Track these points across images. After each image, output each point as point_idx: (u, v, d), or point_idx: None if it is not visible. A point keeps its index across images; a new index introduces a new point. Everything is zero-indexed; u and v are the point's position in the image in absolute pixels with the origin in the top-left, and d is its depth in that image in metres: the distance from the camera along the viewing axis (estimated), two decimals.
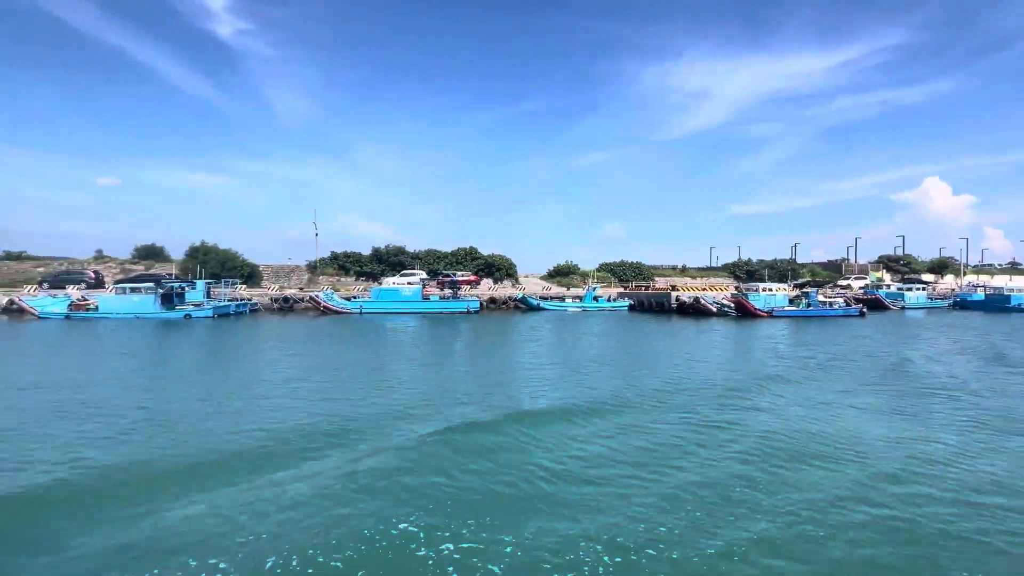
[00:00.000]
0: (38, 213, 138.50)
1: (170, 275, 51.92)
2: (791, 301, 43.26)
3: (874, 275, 74.36)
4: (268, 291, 51.06)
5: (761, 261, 76.77)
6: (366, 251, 62.26)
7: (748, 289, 44.72)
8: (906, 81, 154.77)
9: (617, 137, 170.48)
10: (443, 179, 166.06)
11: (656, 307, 47.28)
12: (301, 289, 52.67)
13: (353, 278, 59.95)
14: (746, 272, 72.87)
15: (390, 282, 46.17)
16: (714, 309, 42.45)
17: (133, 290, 38.04)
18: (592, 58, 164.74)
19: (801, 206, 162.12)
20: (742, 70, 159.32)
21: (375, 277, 60.66)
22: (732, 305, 42.00)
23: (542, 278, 69.45)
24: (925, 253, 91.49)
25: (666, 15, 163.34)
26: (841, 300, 46.84)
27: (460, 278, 50.53)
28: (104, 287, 49.11)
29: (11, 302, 41.35)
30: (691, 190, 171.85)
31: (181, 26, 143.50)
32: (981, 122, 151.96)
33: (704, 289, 51.10)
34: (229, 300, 43.34)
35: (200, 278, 46.36)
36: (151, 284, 38.69)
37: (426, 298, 45.26)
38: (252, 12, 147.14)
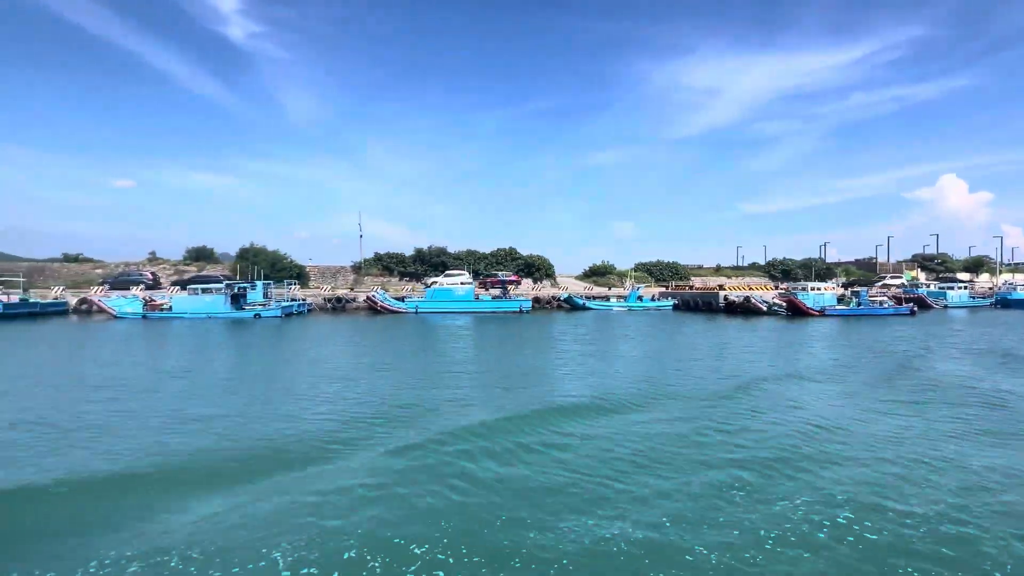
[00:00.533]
0: (55, 214, 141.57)
1: (225, 276, 53.55)
2: (839, 300, 43.79)
3: (908, 274, 74.35)
4: (321, 291, 52.43)
5: (792, 260, 77.01)
6: (386, 251, 63.58)
7: (796, 288, 45.30)
8: (921, 77, 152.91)
9: (627, 136, 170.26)
10: (453, 179, 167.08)
11: (703, 307, 47.97)
12: (352, 289, 54.00)
13: (397, 278, 61.26)
14: (781, 271, 73.20)
15: (442, 282, 47.27)
16: (764, 308, 43.08)
17: (205, 291, 39.48)
18: (603, 57, 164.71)
19: (813, 204, 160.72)
20: (753, 68, 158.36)
21: (418, 277, 61.92)
22: (784, 304, 42.59)
23: (577, 278, 70.30)
24: (943, 251, 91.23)
25: (677, 13, 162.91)
26: (889, 299, 47.21)
27: (504, 278, 51.58)
28: (160, 287, 50.81)
29: (84, 301, 43.08)
30: (701, 189, 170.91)
31: (194, 29, 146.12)
32: (998, 118, 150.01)
33: (749, 288, 51.65)
34: (290, 300, 44.68)
35: (253, 279, 47.78)
36: (222, 285, 40.10)
37: (478, 298, 46.35)
38: (263, 15, 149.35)
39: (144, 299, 39.94)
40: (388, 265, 62.18)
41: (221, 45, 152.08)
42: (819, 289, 43.88)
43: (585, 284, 65.30)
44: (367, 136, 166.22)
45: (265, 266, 57.02)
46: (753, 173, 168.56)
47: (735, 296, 45.52)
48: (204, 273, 54.32)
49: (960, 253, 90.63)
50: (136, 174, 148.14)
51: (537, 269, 63.17)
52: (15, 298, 40.27)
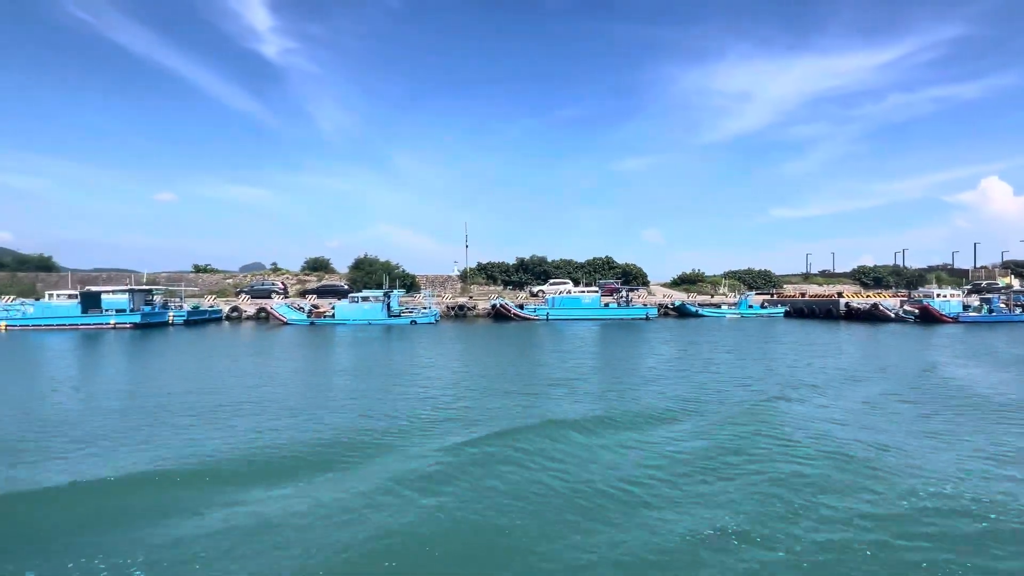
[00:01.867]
0: (100, 226, 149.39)
1: (344, 285, 56.83)
2: (964, 307, 44.30)
3: (1003, 280, 73.55)
4: (443, 299, 55.15)
5: (883, 267, 76.92)
6: (487, 260, 66.00)
7: (922, 295, 45.99)
8: (961, 77, 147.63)
9: (655, 142, 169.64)
10: (479, 188, 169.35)
11: (820, 314, 48.94)
12: (471, 297, 56.58)
13: (501, 286, 63.78)
14: (872, 279, 73.29)
15: (564, 291, 49.43)
16: (892, 315, 43.90)
17: (364, 299, 42.45)
18: (630, 63, 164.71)
19: (848, 209, 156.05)
20: (785, 71, 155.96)
21: (520, 285, 64.40)
22: (916, 311, 43.35)
23: (666, 286, 71.63)
24: (986, 257, 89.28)
25: (706, 17, 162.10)
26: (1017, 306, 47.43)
27: (623, 287, 53.43)
28: (287, 296, 54.26)
29: (236, 309, 46.60)
30: (731, 195, 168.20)
31: (231, 48, 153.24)
32: None
33: (876, 295, 52.32)
34: (423, 308, 47.40)
35: (386, 287, 50.68)
36: (380, 293, 43.01)
37: (607, 305, 48.29)
38: (296, 31, 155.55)
39: (310, 307, 43.08)
40: (492, 274, 64.76)
41: (256, 62, 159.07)
42: (946, 296, 44.52)
43: (672, 292, 66.64)
44: (394, 147, 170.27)
45: (380, 275, 60.26)
46: (785, 178, 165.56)
47: (859, 303, 46.41)
48: (331, 283, 57.66)
49: (995, 258, 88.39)
50: (177, 187, 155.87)
51: (634, 277, 64.90)
52: (187, 307, 43.94)
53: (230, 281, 60.17)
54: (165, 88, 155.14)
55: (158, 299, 42.25)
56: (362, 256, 62.99)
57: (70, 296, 37.82)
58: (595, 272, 65.38)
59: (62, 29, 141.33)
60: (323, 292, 54.58)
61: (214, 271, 63.50)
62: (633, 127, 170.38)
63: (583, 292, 48.51)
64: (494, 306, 48.78)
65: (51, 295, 38.05)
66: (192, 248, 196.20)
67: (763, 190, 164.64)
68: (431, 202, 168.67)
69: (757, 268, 70.99)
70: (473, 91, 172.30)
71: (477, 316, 51.76)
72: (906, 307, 44.42)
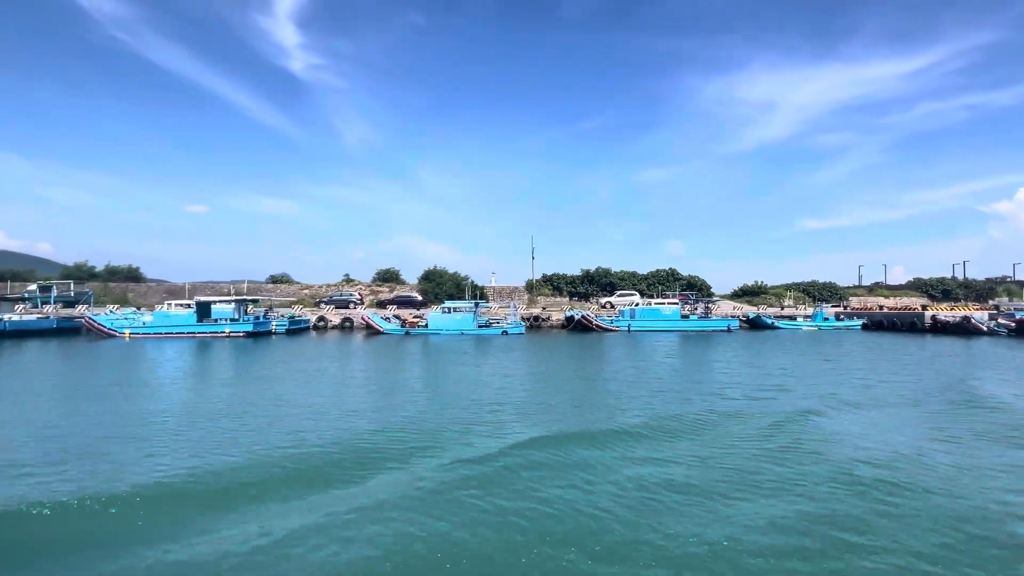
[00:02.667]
0: (132, 237, 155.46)
1: (417, 296, 58.31)
2: None
3: None
4: (519, 310, 56.19)
5: (952, 279, 75.50)
6: (552, 272, 66.83)
7: (1014, 308, 45.27)
8: (995, 83, 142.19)
9: (678, 152, 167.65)
10: (500, 199, 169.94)
11: (903, 327, 48.43)
12: (544, 308, 57.48)
13: (567, 298, 64.61)
14: (941, 291, 72.02)
15: (631, 302, 50.15)
16: (984, 328, 43.30)
17: (455, 310, 43.68)
18: (653, 74, 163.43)
19: (878, 220, 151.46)
20: (810, 80, 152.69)
21: (586, 297, 65.12)
22: (1012, 325, 42.72)
23: (727, 297, 71.52)
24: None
25: (729, 27, 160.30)
26: None
27: (671, 297, 53.72)
28: (362, 306, 55.87)
29: (322, 319, 48.22)
30: (756, 206, 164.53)
31: (260, 64, 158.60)
32: None
33: (965, 308, 51.62)
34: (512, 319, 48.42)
35: (471, 298, 51.89)
36: (471, 304, 44.20)
37: (685, 317, 48.65)
38: (322, 47, 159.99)
39: (404, 318, 44.50)
40: (558, 285, 65.65)
41: (284, 78, 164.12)
42: None
43: (735, 303, 66.46)
44: (418, 159, 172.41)
45: (450, 287, 61.64)
46: (812, 188, 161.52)
47: (947, 316, 45.87)
48: (404, 294, 59.22)
49: None
50: (209, 200, 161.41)
51: (699, 289, 65.06)
52: (284, 316, 45.74)
53: (306, 292, 62.25)
54: (198, 103, 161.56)
55: (261, 309, 44.12)
56: (431, 268, 64.64)
57: (186, 306, 39.86)
58: (659, 284, 65.75)
59: (100, 49, 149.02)
60: (398, 303, 56.14)
61: (290, 282, 65.76)
62: (655, 138, 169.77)
63: (663, 304, 48.97)
64: (571, 317, 49.51)
65: (168, 304, 40.15)
66: (220, 259, 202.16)
67: (789, 201, 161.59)
68: (454, 213, 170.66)
69: (821, 280, 70.42)
70: (495, 103, 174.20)
71: (551, 327, 52.58)
72: (1000, 320, 43.76)
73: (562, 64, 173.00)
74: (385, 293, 62.81)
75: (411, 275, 66.58)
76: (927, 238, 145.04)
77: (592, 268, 65.92)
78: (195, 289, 62.42)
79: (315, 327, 48.71)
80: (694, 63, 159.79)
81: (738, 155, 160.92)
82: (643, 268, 68.81)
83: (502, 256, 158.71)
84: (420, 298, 58.10)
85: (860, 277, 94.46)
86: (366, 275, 66.63)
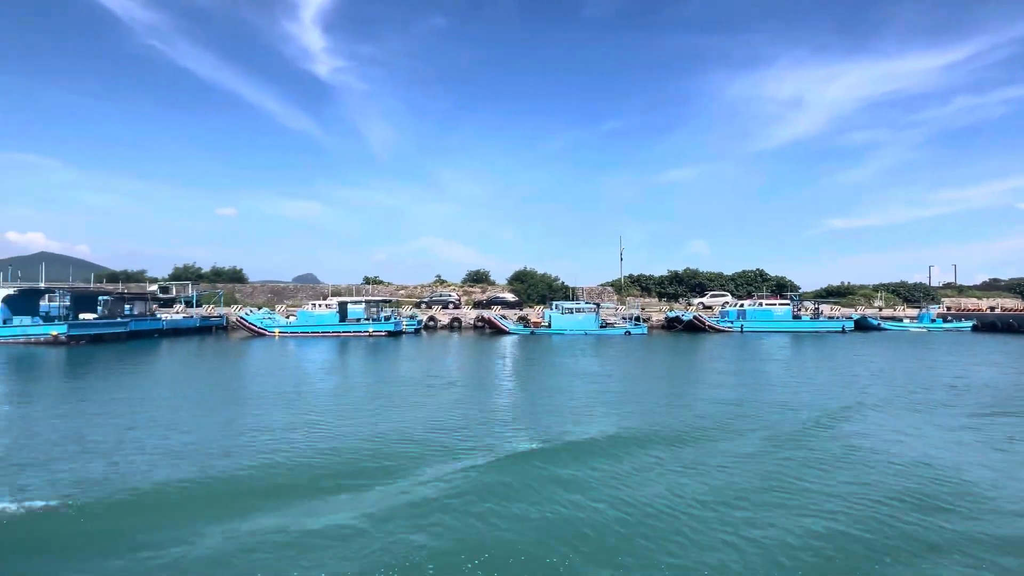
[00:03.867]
0: (163, 239, 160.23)
1: (511, 297, 59.47)
2: None
3: None
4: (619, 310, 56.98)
5: None
6: (638, 272, 67.33)
7: None
8: None
9: (703, 152, 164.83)
10: (522, 200, 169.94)
11: (1020, 328, 47.74)
12: (643, 309, 58.15)
13: (656, 299, 65.18)
14: None
15: (723, 303, 50.48)
16: None
17: (578, 310, 44.72)
18: (676, 73, 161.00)
19: (911, 219, 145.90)
20: (840, 75, 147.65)
21: (675, 297, 65.58)
22: None
23: (807, 297, 71.05)
24: None
25: (754, 25, 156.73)
26: None
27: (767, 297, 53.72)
28: (460, 307, 57.23)
29: (432, 319, 49.68)
30: (782, 204, 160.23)
31: (287, 68, 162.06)
32: None
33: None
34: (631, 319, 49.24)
35: (582, 301, 52.72)
36: (593, 305, 45.21)
37: (797, 318, 48.81)
38: (347, 51, 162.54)
39: (528, 319, 45.76)
40: (646, 286, 66.31)
41: (310, 82, 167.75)
42: None
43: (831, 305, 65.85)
44: (439, 161, 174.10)
45: (543, 288, 62.77)
46: (841, 186, 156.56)
47: None
48: (495, 295, 60.50)
49: None
50: (238, 202, 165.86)
51: (790, 289, 64.93)
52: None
53: (402, 292, 64.05)
54: (227, 108, 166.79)
55: (388, 310, 45.79)
56: (521, 269, 65.89)
57: (328, 306, 41.71)
58: (748, 284, 65.83)
59: (134, 57, 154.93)
60: (494, 303, 57.42)
61: (384, 283, 67.69)
62: (679, 138, 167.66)
63: (774, 305, 49.22)
64: (676, 318, 49.97)
65: (314, 304, 42.07)
66: (247, 261, 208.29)
67: (818, 199, 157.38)
68: (475, 215, 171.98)
69: (911, 281, 69.58)
70: (517, 105, 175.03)
71: (651, 327, 53.19)
72: None
73: (584, 65, 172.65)
74: (478, 294, 64.23)
75: (425, 274, 67.89)
76: (963, 237, 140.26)
77: (680, 269, 66.46)
78: (294, 291, 64.86)
79: (426, 327, 50.21)
80: (719, 61, 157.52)
81: (765, 154, 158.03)
82: (721, 268, 69.00)
83: (523, 255, 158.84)
84: (514, 299, 59.33)
85: (929, 278, 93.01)
86: (392, 275, 68.16)
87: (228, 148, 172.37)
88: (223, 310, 48.72)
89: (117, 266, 63.85)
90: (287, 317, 43.43)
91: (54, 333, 31.65)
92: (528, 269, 65.62)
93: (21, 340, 32.16)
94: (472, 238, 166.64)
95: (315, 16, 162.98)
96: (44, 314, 36.04)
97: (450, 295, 59.38)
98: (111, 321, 35.31)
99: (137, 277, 64.60)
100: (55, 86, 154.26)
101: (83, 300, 37.47)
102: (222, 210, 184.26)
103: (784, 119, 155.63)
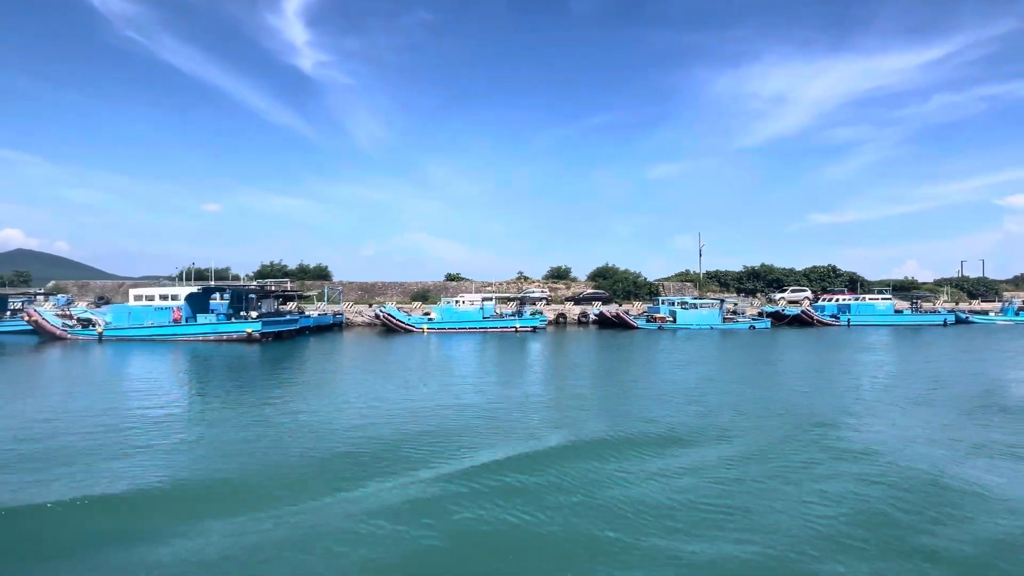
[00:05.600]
0: (145, 236, 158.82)
1: (605, 292, 60.70)
2: None
3: None
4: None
5: None
6: (715, 268, 69.06)
7: None
8: (1014, 74, 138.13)
9: (689, 147, 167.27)
10: (510, 196, 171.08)
11: None
12: (736, 304, 59.79)
13: (734, 294, 66.92)
14: None
15: (803, 297, 52.38)
16: None
17: (703, 306, 46.10)
18: (663, 69, 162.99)
19: (892, 214, 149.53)
20: (823, 72, 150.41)
21: (752, 293, 67.42)
22: None
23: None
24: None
25: (740, 21, 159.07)
26: None
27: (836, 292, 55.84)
28: (550, 304, 58.35)
29: (561, 315, 50.74)
30: (767, 200, 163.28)
31: (270, 62, 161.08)
32: None
33: None
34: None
35: (636, 294, 54.15)
36: (717, 300, 46.60)
37: (899, 312, 50.84)
38: (332, 45, 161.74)
39: (654, 316, 46.98)
40: (724, 281, 68.03)
41: (294, 76, 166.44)
42: None
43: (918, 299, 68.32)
44: (427, 156, 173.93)
45: (628, 284, 64.11)
46: (825, 182, 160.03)
47: None
48: (590, 291, 61.68)
49: None
50: (221, 198, 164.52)
51: (861, 285, 67.19)
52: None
53: (489, 288, 64.82)
54: (209, 103, 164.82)
55: (512, 306, 46.70)
56: (603, 265, 67.13)
57: (473, 303, 42.51)
58: (821, 280, 67.92)
59: (113, 49, 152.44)
60: (588, 299, 58.62)
61: (461, 279, 68.34)
62: (666, 133, 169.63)
63: (876, 299, 51.18)
64: (775, 312, 51.54)
65: (459, 302, 42.81)
66: (233, 257, 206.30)
67: (801, 195, 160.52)
68: (463, 210, 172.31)
69: (972, 276, 72.35)
70: (505, 100, 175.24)
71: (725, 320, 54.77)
72: None
73: (572, 60, 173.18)
74: (562, 290, 65.36)
75: (419, 271, 68.44)
76: (941, 233, 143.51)
77: (756, 264, 68.29)
78: (385, 288, 65.16)
79: (554, 323, 50.93)
80: (705, 57, 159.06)
81: (750, 150, 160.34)
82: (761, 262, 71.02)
83: (513, 251, 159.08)
84: (607, 295, 60.57)
85: (961, 270, 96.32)
86: (384, 271, 68.41)
87: (212, 143, 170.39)
88: (340, 307, 49.29)
89: (96, 264, 63.52)
90: (425, 315, 44.07)
91: (249, 330, 32.05)
92: (610, 266, 66.88)
93: (212, 337, 32.49)
94: (460, 234, 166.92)
95: (298, 9, 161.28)
96: (212, 312, 36.32)
97: (541, 291, 60.43)
98: (289, 318, 35.74)
99: (223, 274, 64.36)
100: (31, 80, 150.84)
101: (238, 297, 37.80)
102: (207, 206, 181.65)
103: (769, 115, 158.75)
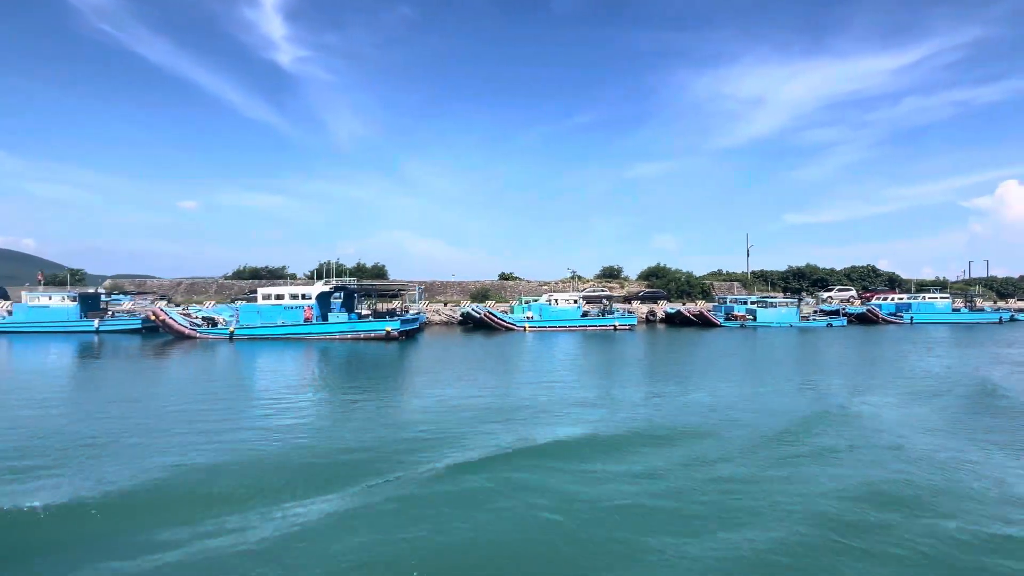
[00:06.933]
0: (119, 233, 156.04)
1: (663, 292, 62.13)
2: None
3: None
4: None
5: None
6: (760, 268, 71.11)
7: None
8: (982, 80, 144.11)
9: (669, 147, 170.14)
10: (492, 195, 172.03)
11: None
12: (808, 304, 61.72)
13: (782, 293, 68.95)
14: None
15: (924, 297, 54.62)
16: None
17: (782, 304, 47.73)
18: (644, 69, 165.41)
19: (865, 215, 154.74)
20: (800, 75, 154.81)
21: (797, 292, 69.49)
22: None
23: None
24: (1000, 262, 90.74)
25: (719, 22, 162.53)
26: None
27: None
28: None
29: (652, 313, 51.90)
30: (745, 200, 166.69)
31: (247, 57, 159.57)
32: None
33: None
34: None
35: (689, 294, 55.76)
36: (795, 299, 48.25)
37: (956, 310, 53.19)
38: (310, 40, 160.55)
39: (735, 315, 48.43)
40: (772, 281, 70.01)
41: (272, 71, 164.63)
42: None
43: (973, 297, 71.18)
44: (408, 154, 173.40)
45: (682, 283, 65.61)
46: (800, 183, 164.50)
47: None
48: (649, 290, 63.02)
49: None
50: (199, 195, 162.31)
51: (899, 284, 69.83)
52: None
53: (545, 287, 65.72)
54: (184, 97, 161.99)
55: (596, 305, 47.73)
56: (654, 265, 68.54)
57: (568, 302, 43.42)
58: (861, 279, 70.41)
59: (84, 41, 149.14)
60: (652, 298, 60.01)
61: (519, 279, 69.09)
62: (646, 133, 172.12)
63: (935, 299, 53.49)
64: (835, 311, 53.41)
65: (555, 301, 43.65)
66: (211, 254, 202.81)
67: (778, 195, 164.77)
68: (444, 208, 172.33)
69: (1000, 276, 75.63)
70: (487, 99, 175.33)
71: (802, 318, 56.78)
72: None
73: (554, 59, 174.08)
74: (617, 289, 66.55)
75: (397, 270, 69.03)
76: (908, 233, 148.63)
77: (802, 264, 70.51)
78: (444, 287, 65.49)
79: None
80: (685, 57, 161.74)
81: (729, 150, 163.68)
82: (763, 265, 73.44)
83: (495, 250, 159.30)
84: (665, 293, 62.00)
85: (969, 271, 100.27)
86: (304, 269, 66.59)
87: (188, 138, 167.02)
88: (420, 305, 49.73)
89: (65, 261, 62.84)
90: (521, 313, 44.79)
91: (388, 329, 32.52)
92: (661, 265, 68.31)
93: (349, 336, 32.87)
94: (441, 231, 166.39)
95: (276, 3, 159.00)
96: (333, 311, 36.63)
97: (603, 290, 61.57)
98: (411, 317, 36.24)
99: (278, 273, 64.22)
100: None
101: (348, 296, 38.20)
102: (183, 203, 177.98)
103: (746, 117, 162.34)
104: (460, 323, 47.85)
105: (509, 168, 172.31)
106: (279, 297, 33.65)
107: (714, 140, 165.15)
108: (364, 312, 38.47)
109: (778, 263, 71.61)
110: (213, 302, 49.38)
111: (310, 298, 33.50)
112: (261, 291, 34.16)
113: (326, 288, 34.19)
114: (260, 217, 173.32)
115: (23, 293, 53.75)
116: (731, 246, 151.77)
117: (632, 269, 70.84)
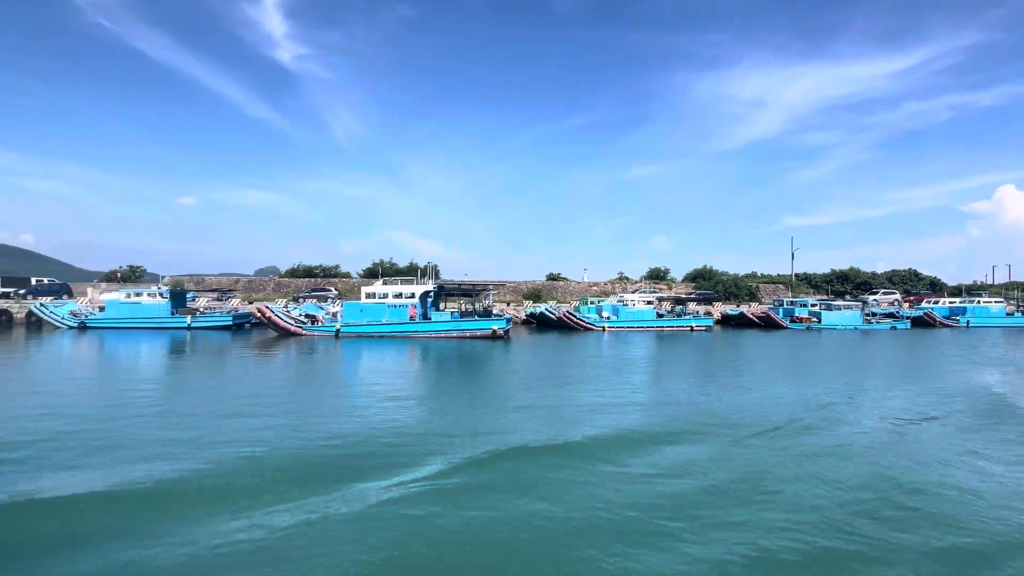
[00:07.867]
0: (117, 229, 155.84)
1: (715, 293, 62.91)
2: None
3: None
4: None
5: None
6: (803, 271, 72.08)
7: None
8: (979, 84, 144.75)
9: (667, 149, 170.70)
10: (489, 195, 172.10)
11: None
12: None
13: (825, 295, 69.88)
14: None
15: (891, 301, 55.44)
16: None
17: (846, 307, 48.57)
18: (643, 71, 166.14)
19: (862, 217, 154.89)
20: (799, 78, 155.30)
21: (842, 295, 70.42)
22: None
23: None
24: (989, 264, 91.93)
25: (719, 25, 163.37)
26: None
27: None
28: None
29: (764, 314, 52.59)
30: (743, 202, 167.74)
31: (247, 54, 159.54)
32: None
33: None
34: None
35: (736, 295, 56.53)
36: (859, 302, 49.08)
37: (1010, 314, 54.16)
38: (310, 38, 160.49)
39: (800, 317, 49.23)
40: (816, 283, 70.96)
41: (271, 68, 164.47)
42: None
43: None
44: (406, 153, 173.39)
45: (729, 285, 66.43)
46: (799, 185, 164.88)
47: None
48: (700, 292, 63.79)
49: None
50: (197, 192, 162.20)
51: (940, 288, 70.86)
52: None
53: (595, 289, 66.46)
54: (183, 94, 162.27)
55: (666, 305, 48.48)
56: (700, 267, 69.48)
57: (648, 303, 44.19)
58: (903, 282, 71.43)
59: (83, 36, 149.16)
60: (706, 299, 60.80)
61: (562, 278, 69.80)
62: (644, 135, 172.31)
63: (990, 303, 54.47)
64: (889, 314, 54.32)
65: (630, 302, 44.38)
66: (209, 251, 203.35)
67: (776, 198, 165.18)
68: (441, 208, 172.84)
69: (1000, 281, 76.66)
70: (485, 99, 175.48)
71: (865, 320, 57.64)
72: None
73: (552, 60, 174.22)
74: (664, 290, 67.28)
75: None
76: (906, 236, 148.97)
77: (845, 267, 71.53)
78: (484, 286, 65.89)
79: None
80: (685, 60, 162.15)
81: (728, 152, 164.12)
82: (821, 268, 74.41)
83: (493, 248, 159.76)
84: (715, 295, 62.82)
85: (992, 274, 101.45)
86: (357, 267, 66.90)
87: (187, 135, 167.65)
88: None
89: (63, 257, 62.97)
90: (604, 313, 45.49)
91: (495, 328, 33.17)
92: (708, 267, 69.24)
93: (454, 334, 33.51)
94: (438, 231, 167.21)
95: (277, 0, 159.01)
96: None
97: (655, 291, 62.33)
98: (507, 317, 36.91)
99: (334, 272, 64.84)
100: None
101: (437, 296, 38.79)
102: (182, 199, 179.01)
103: (746, 119, 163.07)
104: (524, 323, 48.55)
105: (505, 169, 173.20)
106: (382, 296, 34.27)
107: (714, 142, 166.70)
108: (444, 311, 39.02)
109: (779, 264, 72.43)
110: (283, 300, 49.94)
111: (413, 297, 34.13)
112: (365, 290, 34.78)
113: (429, 287, 34.83)
114: (259, 214, 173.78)
115: (88, 289, 54.42)
116: (733, 246, 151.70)
117: (634, 270, 71.27)
